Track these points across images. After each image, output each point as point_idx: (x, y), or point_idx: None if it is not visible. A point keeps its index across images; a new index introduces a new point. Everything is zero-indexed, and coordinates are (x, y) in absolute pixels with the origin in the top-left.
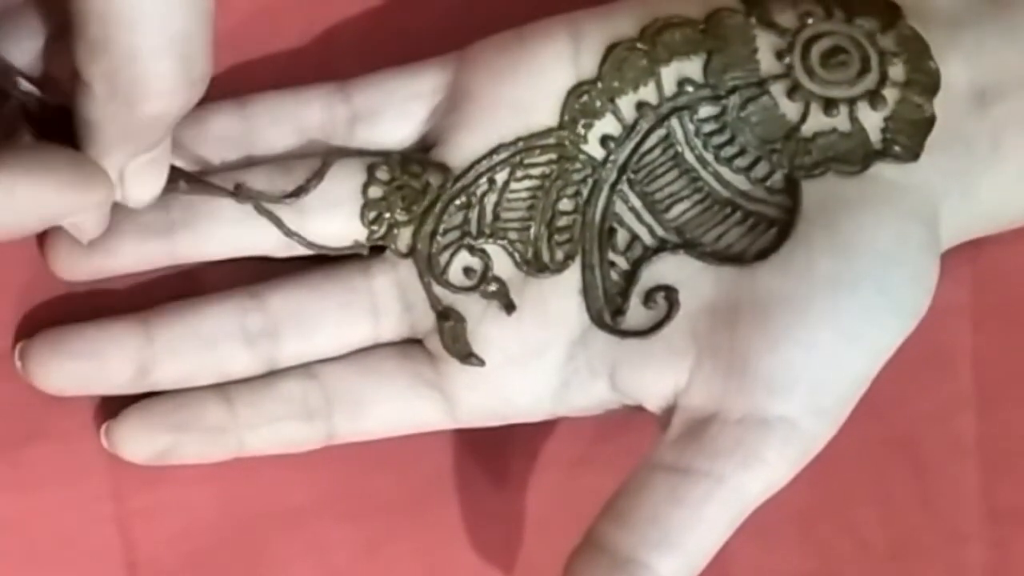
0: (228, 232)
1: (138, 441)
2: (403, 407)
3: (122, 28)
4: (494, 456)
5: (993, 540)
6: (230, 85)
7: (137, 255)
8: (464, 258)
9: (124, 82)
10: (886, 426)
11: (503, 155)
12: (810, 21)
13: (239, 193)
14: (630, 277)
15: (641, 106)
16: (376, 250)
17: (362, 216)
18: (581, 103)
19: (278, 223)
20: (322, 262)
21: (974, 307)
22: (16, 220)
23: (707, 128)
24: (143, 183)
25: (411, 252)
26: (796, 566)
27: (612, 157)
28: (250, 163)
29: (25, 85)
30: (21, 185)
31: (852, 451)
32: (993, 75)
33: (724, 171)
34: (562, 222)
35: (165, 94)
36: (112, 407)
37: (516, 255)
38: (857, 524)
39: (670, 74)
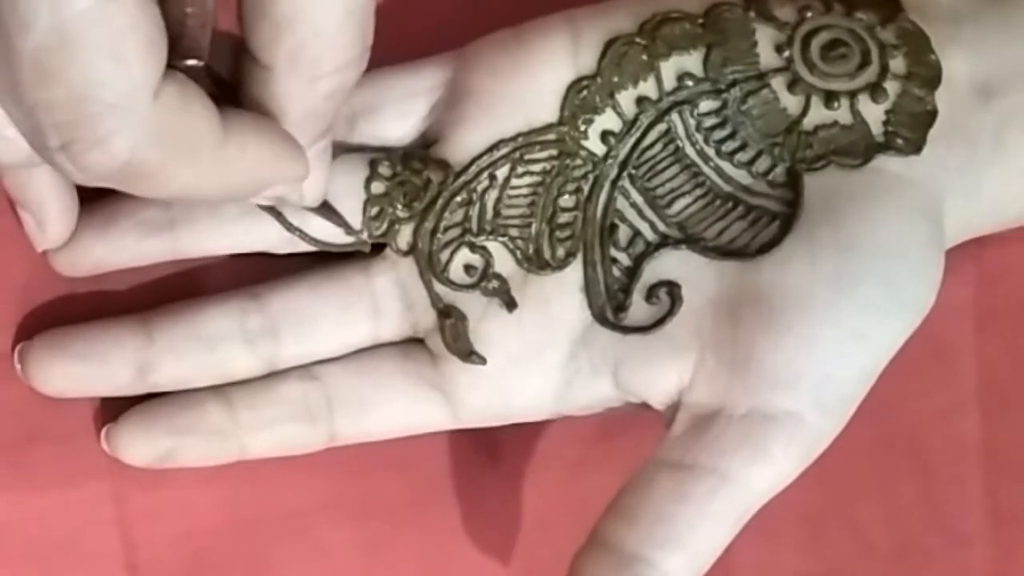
0: (229, 228)
1: (139, 445)
2: (405, 408)
3: (310, 4)
4: (496, 457)
5: (996, 540)
6: None
7: (137, 250)
8: (465, 255)
9: (308, 59)
10: (890, 426)
11: (503, 151)
12: (809, 15)
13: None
14: (632, 273)
15: (641, 101)
16: (376, 248)
17: (364, 211)
18: (581, 99)
19: (279, 219)
20: (322, 259)
21: (978, 307)
22: (239, 180)
23: (708, 122)
24: (318, 174)
25: (412, 249)
26: (799, 566)
27: (613, 153)
28: None
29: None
30: (252, 145)
31: (856, 451)
32: (995, 70)
33: (725, 165)
34: (563, 218)
35: (344, 67)
36: (112, 408)
37: (517, 252)
38: (861, 524)
39: (670, 69)
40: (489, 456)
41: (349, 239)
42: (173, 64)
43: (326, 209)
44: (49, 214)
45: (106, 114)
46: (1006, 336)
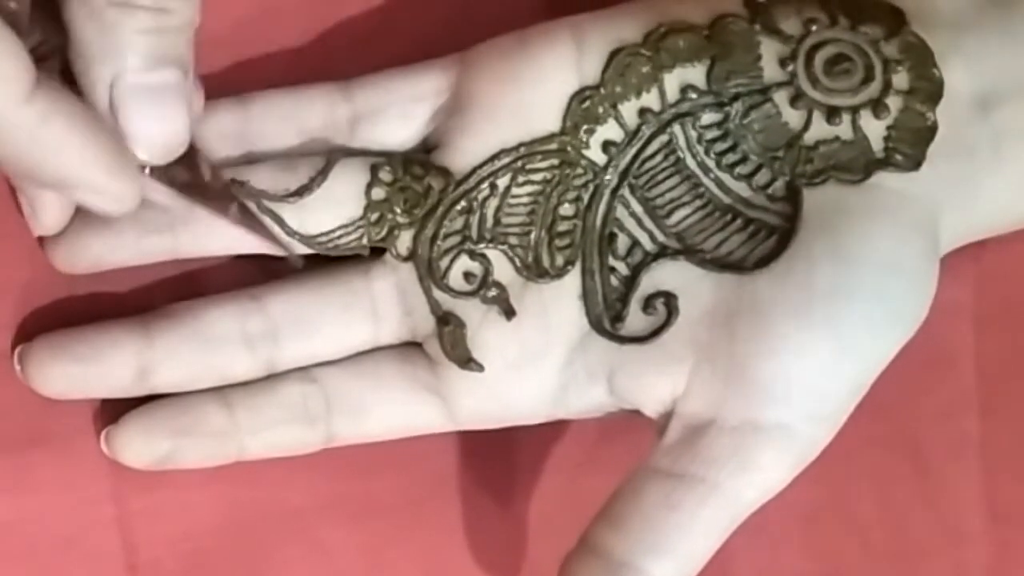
0: (229, 229)
1: (139, 447)
2: (402, 411)
3: None
4: (495, 458)
5: (995, 540)
6: (230, 85)
7: (137, 249)
8: (464, 263)
9: None
10: (889, 426)
11: (505, 160)
12: (814, 28)
13: (241, 190)
14: (630, 283)
15: (644, 112)
16: (376, 252)
17: (364, 217)
18: (584, 108)
19: (280, 222)
20: (322, 263)
21: (977, 307)
22: (34, 154)
23: (709, 135)
24: (144, 111)
25: (411, 255)
26: (798, 566)
27: (614, 163)
28: (250, 161)
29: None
30: (57, 121)
31: (855, 451)
32: (995, 81)
33: (725, 178)
34: (563, 227)
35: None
36: (113, 409)
37: (516, 260)
38: (860, 524)
39: (673, 80)
40: (488, 458)
41: (349, 241)
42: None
43: (247, 219)
44: (43, 201)
45: None
46: (1004, 336)
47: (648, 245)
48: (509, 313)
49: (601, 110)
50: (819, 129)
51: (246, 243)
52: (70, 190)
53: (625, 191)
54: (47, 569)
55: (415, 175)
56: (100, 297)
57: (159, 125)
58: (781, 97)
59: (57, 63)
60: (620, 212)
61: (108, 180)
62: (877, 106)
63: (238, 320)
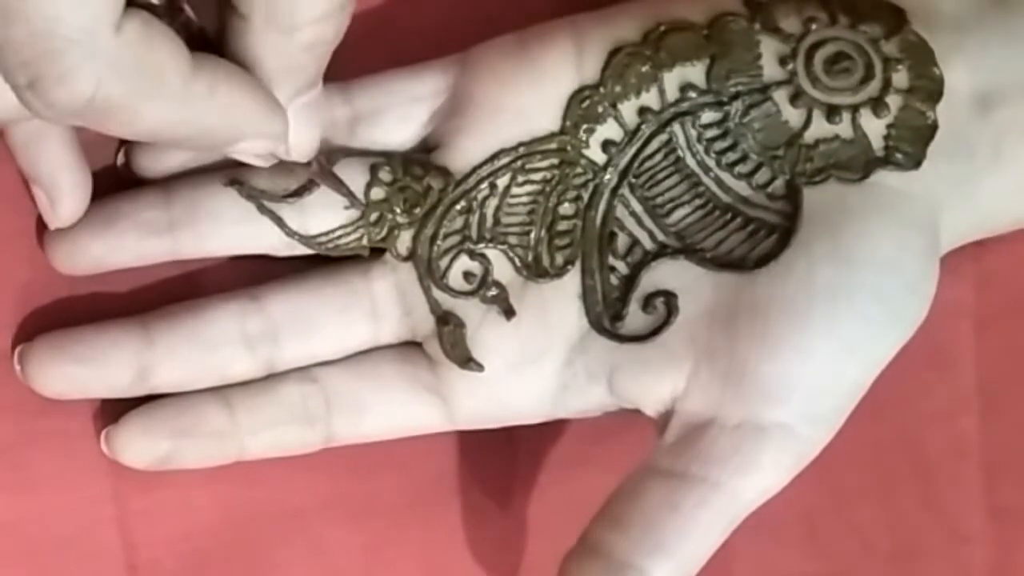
0: (229, 231)
1: (139, 447)
2: (402, 411)
3: None
4: (495, 458)
5: (996, 540)
6: None
7: (137, 250)
8: (464, 262)
9: (283, 9)
10: (889, 426)
11: (504, 160)
12: (814, 27)
13: (241, 191)
14: (630, 282)
15: (643, 111)
16: (376, 252)
17: (364, 216)
18: (583, 108)
19: (279, 222)
20: (322, 262)
21: (977, 307)
22: (209, 122)
23: (709, 134)
24: (304, 129)
25: (411, 255)
26: (799, 566)
27: (613, 162)
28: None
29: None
30: (223, 88)
31: (855, 451)
32: (996, 80)
33: (725, 177)
34: (562, 227)
35: (322, 19)
36: (113, 409)
37: (516, 260)
38: (860, 524)
39: (673, 79)
40: (488, 458)
41: (349, 241)
42: (137, 1)
43: (326, 174)
44: (61, 190)
45: (67, 49)
46: (1006, 336)
47: (648, 244)
48: (509, 313)
49: (601, 109)
50: (819, 128)
51: (247, 244)
52: (241, 144)
53: (625, 190)
54: (47, 569)
55: (415, 175)
56: (100, 297)
57: (310, 134)
58: (781, 96)
59: (182, 35)
60: (620, 211)
61: (272, 123)
62: (877, 105)
63: (238, 320)
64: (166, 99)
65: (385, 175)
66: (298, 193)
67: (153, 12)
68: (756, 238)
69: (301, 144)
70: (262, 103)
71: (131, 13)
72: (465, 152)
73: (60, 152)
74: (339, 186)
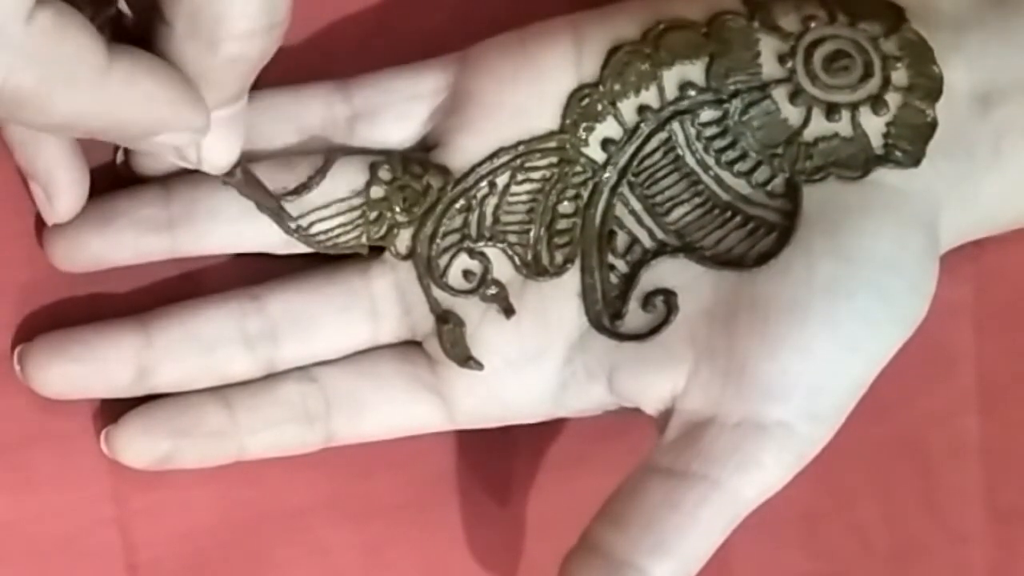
0: (228, 229)
1: (138, 447)
2: (401, 410)
3: None
4: (495, 457)
5: (996, 540)
6: None
7: (136, 248)
8: (464, 261)
9: (206, 21)
10: (889, 426)
11: (504, 159)
12: (813, 25)
13: (241, 190)
14: (629, 280)
15: (642, 109)
16: (375, 250)
17: (363, 215)
18: (582, 106)
19: (278, 220)
20: (321, 261)
21: (977, 307)
22: (125, 113)
23: (708, 132)
24: (221, 142)
25: (410, 254)
26: (799, 565)
27: (613, 160)
28: (249, 159)
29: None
30: (140, 80)
31: (856, 451)
32: (995, 78)
33: (725, 175)
34: (562, 225)
35: (245, 35)
36: (112, 409)
37: (516, 258)
38: (861, 524)
39: (672, 77)
40: (488, 457)
41: (348, 240)
42: None
43: (251, 184)
44: (58, 186)
45: None
46: (1006, 336)
47: (647, 242)
48: (508, 311)
49: (600, 108)
50: (818, 126)
51: (246, 243)
52: (162, 135)
53: (624, 189)
54: (47, 569)
55: (414, 174)
56: (100, 297)
57: (227, 147)
58: (780, 94)
59: (108, 29)
60: (619, 210)
61: (192, 115)
62: (876, 102)
63: (237, 320)
64: (79, 89)
65: (384, 174)
66: (298, 191)
67: (75, 4)
68: (756, 236)
69: (215, 156)
70: (182, 96)
71: (44, 4)
72: (464, 150)
73: (57, 148)
74: (264, 197)
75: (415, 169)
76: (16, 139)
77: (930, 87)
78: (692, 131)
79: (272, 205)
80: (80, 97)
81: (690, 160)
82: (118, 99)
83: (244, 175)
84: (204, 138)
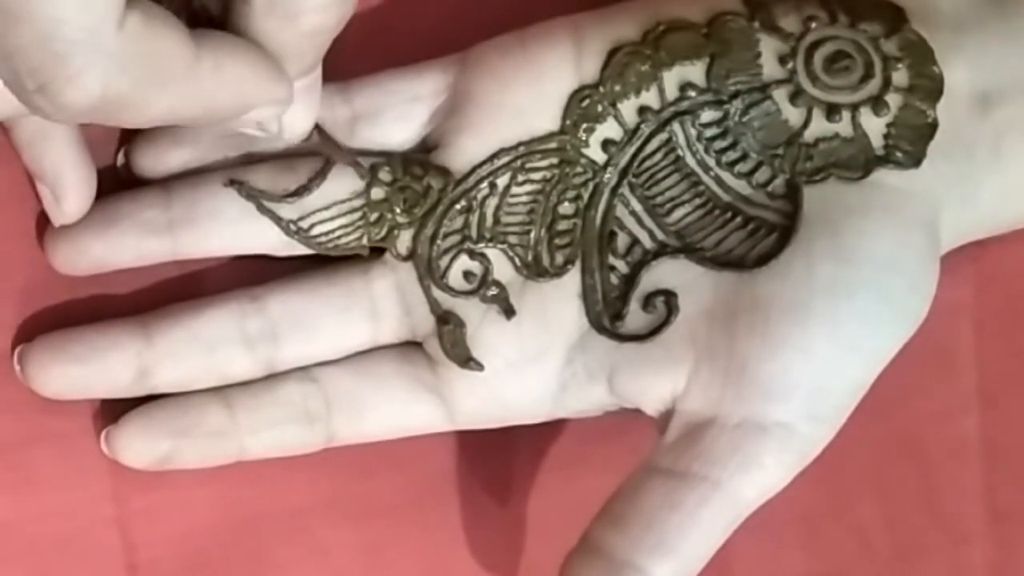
0: (228, 230)
1: (139, 447)
2: (402, 410)
3: None
4: (495, 458)
5: (997, 540)
6: None
7: (137, 250)
8: (464, 262)
9: None
10: (889, 426)
11: (504, 160)
12: (814, 25)
13: (240, 190)
14: (630, 281)
15: (643, 110)
16: (376, 251)
17: (364, 216)
18: (583, 107)
19: (279, 222)
20: (322, 262)
21: (977, 307)
22: (219, 99)
23: (709, 133)
24: (301, 111)
25: (411, 255)
26: (799, 566)
27: (613, 161)
28: (250, 161)
29: None
30: (227, 62)
31: (856, 451)
32: (996, 79)
33: (725, 176)
34: (562, 226)
35: (323, 6)
36: (113, 409)
37: (516, 259)
38: (861, 524)
39: (672, 78)
40: (488, 457)
41: (349, 241)
42: None
43: (328, 144)
44: (66, 187)
45: (73, 51)
46: (1006, 336)
47: (648, 243)
48: (509, 312)
49: (600, 109)
50: (819, 126)
51: (247, 244)
52: (252, 113)
53: (625, 189)
54: (47, 569)
55: (415, 175)
56: (100, 298)
57: (306, 115)
58: (781, 94)
59: (184, 14)
60: (620, 210)
61: (277, 89)
62: (877, 103)
63: (237, 320)
64: (174, 85)
65: (385, 175)
66: (298, 193)
67: None
68: (756, 237)
69: (296, 124)
70: (266, 71)
71: (132, 6)
72: (465, 151)
73: (65, 149)
74: (344, 155)
75: (416, 170)
76: (23, 139)
77: (931, 88)
78: (692, 132)
79: (348, 160)
80: (176, 92)
81: (690, 161)
82: (210, 87)
83: (321, 136)
84: (288, 105)
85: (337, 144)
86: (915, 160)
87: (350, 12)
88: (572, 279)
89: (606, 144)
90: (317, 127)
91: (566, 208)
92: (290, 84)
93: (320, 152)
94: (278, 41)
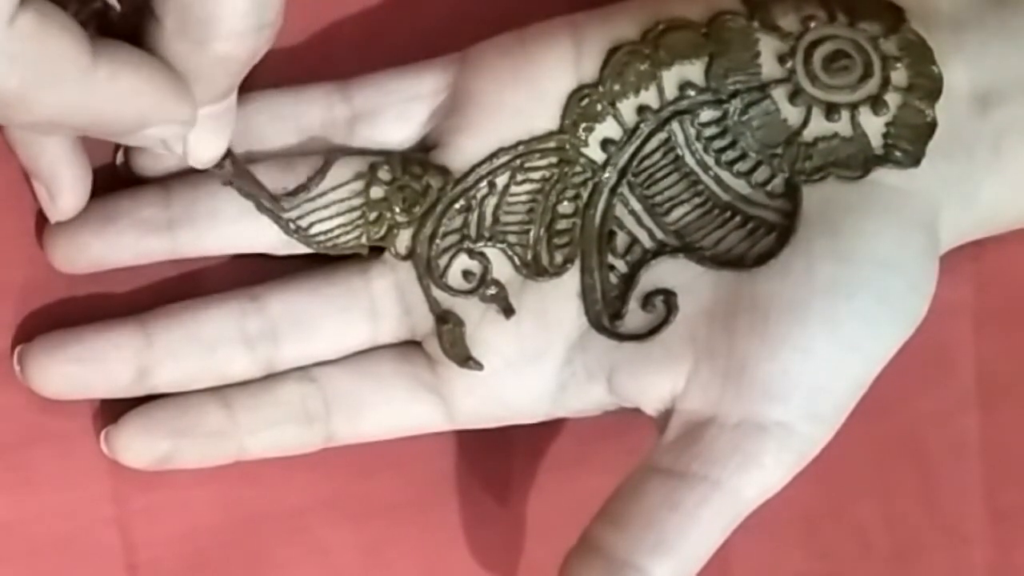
0: (228, 229)
1: (138, 447)
2: (401, 410)
3: None
4: (495, 457)
5: (996, 540)
6: None
7: (136, 249)
8: (463, 261)
9: (195, 20)
10: (889, 426)
11: (503, 159)
12: (813, 25)
13: (240, 191)
14: (629, 280)
15: (642, 110)
16: (375, 251)
17: (363, 216)
18: (582, 107)
19: (278, 220)
20: (321, 261)
21: (976, 306)
22: (111, 109)
23: (708, 132)
24: (207, 138)
25: (410, 254)
26: (799, 566)
27: (612, 160)
28: (249, 160)
29: None
30: (126, 75)
31: (855, 451)
32: (995, 79)
33: (725, 175)
34: (562, 225)
35: (235, 35)
36: (112, 409)
37: (515, 258)
38: (860, 524)
39: (671, 78)
40: (488, 457)
41: (348, 240)
42: None
43: (241, 175)
44: (61, 185)
45: None
46: (1004, 336)
47: (647, 243)
48: (508, 311)
49: (600, 108)
50: (818, 126)
51: (246, 243)
52: (148, 129)
53: (624, 189)
54: (47, 569)
55: (414, 174)
56: (99, 297)
57: (213, 143)
58: (780, 94)
59: (94, 24)
60: (619, 210)
61: (178, 108)
62: (876, 103)
63: (237, 320)
64: (64, 88)
65: (384, 174)
66: (297, 192)
67: (59, 1)
68: (755, 236)
69: (200, 150)
70: (168, 89)
71: (26, 5)
72: (464, 151)
73: (60, 146)
74: (257, 189)
75: (415, 169)
76: (19, 137)
77: (930, 87)
78: (692, 131)
79: (265, 197)
80: (65, 95)
81: (690, 160)
82: (104, 96)
83: (235, 168)
84: (191, 132)
85: (252, 177)
86: (914, 159)
87: (267, 46)
88: (571, 278)
89: (605, 143)
90: (231, 157)
91: (565, 207)
92: (193, 106)
93: (236, 188)
94: (187, 64)
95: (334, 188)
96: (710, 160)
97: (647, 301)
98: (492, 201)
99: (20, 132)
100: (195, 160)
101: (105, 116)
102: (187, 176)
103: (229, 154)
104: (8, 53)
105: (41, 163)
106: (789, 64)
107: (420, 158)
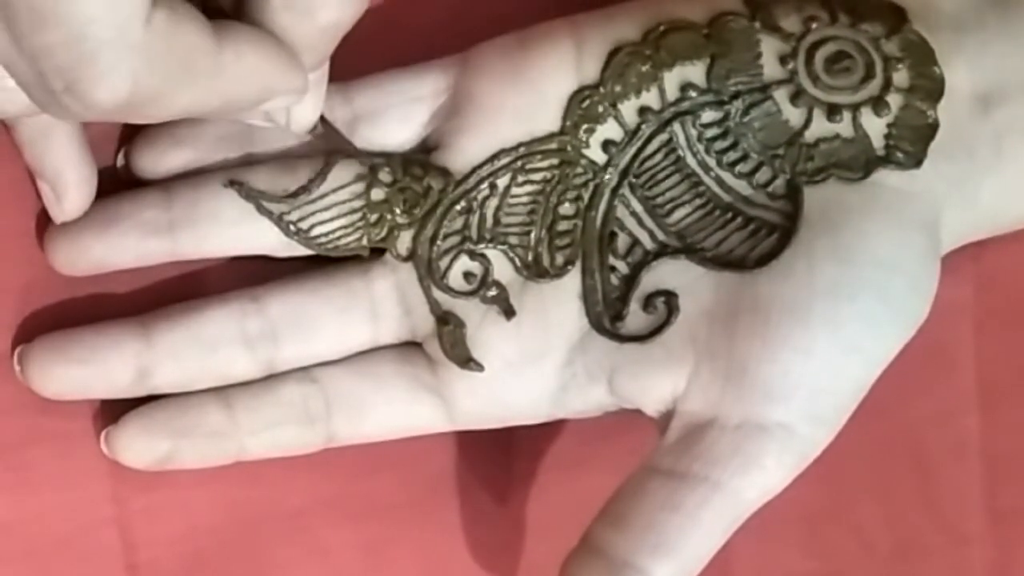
0: (229, 231)
1: (139, 447)
2: (402, 411)
3: None
4: (495, 458)
5: (996, 540)
6: None
7: (137, 251)
8: (464, 263)
9: None
10: (889, 426)
11: (505, 160)
12: (814, 26)
13: (241, 191)
14: (630, 282)
15: (643, 111)
16: (376, 252)
17: (364, 217)
18: (583, 108)
19: (279, 222)
20: (322, 263)
21: (977, 307)
22: (240, 89)
23: (709, 133)
24: (309, 102)
25: (411, 256)
26: (799, 566)
27: (614, 162)
28: (249, 161)
29: None
30: (248, 51)
31: (855, 451)
32: (996, 79)
33: (726, 176)
34: (563, 226)
35: (339, 3)
36: (113, 409)
37: (516, 260)
38: (860, 524)
39: (673, 79)
40: (488, 458)
41: (349, 242)
42: None
43: (331, 133)
44: (67, 184)
45: (103, 50)
46: (1005, 336)
47: (648, 244)
48: (509, 313)
49: (601, 109)
50: (820, 127)
51: (247, 245)
52: (271, 102)
53: (625, 190)
54: (47, 569)
55: (415, 175)
56: (100, 298)
57: (314, 107)
58: (781, 95)
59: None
60: (620, 211)
61: (294, 78)
62: (878, 104)
63: (238, 321)
64: (200, 77)
65: (385, 176)
66: (297, 194)
67: None
68: (757, 237)
69: (304, 116)
70: (284, 61)
71: (158, 3)
72: (465, 152)
73: (66, 147)
74: (349, 147)
75: (416, 171)
76: (24, 137)
77: (931, 88)
78: (693, 132)
79: (354, 152)
80: (201, 84)
81: (691, 161)
82: (233, 77)
83: (326, 129)
84: (304, 94)
85: (342, 136)
86: (916, 161)
87: (364, 6)
88: (572, 280)
89: (606, 145)
90: (323, 119)
91: (566, 209)
92: (305, 75)
93: (325, 144)
94: (294, 35)
95: (335, 190)
96: (711, 161)
97: (648, 302)
98: (493, 202)
99: (26, 132)
100: (298, 127)
101: (233, 97)
102: (188, 178)
103: (321, 117)
104: (147, 53)
105: (47, 163)
106: (791, 65)
107: (421, 159)
